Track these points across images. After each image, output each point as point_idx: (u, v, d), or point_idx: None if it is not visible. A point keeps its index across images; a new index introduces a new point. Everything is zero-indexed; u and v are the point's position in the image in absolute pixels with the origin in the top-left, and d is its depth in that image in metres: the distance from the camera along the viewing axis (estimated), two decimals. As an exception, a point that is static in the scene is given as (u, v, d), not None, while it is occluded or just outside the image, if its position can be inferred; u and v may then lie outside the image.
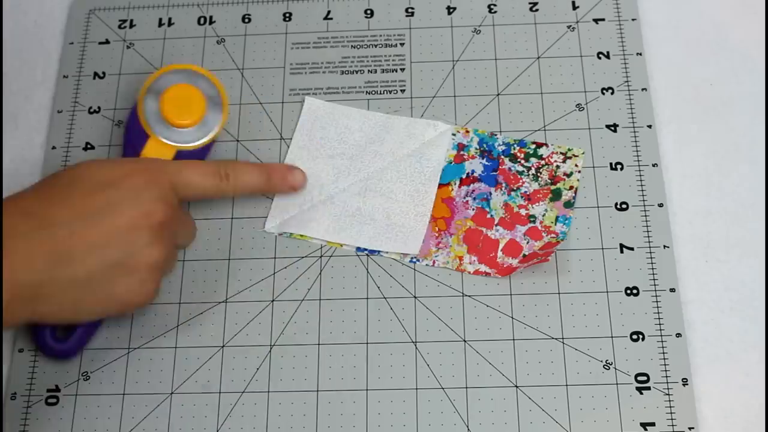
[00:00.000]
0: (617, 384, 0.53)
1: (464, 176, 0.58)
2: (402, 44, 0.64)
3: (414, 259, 0.57)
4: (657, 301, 0.55)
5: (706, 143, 0.60)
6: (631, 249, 0.56)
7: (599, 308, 0.55)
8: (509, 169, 0.59)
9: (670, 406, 0.52)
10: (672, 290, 0.55)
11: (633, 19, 0.63)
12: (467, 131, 0.60)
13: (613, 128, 0.60)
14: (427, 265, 0.56)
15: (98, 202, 0.49)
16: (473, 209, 0.58)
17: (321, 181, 0.59)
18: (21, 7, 0.67)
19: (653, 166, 0.59)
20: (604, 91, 0.61)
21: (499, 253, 0.56)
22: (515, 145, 0.59)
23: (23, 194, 0.51)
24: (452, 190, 0.58)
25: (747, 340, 0.54)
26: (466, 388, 0.54)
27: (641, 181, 0.58)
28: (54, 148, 0.62)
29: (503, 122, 0.60)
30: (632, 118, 0.60)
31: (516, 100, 0.61)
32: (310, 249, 0.58)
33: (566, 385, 0.53)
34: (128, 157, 0.57)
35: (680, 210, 0.58)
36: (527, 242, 0.56)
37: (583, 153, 0.58)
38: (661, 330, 0.54)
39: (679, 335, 0.54)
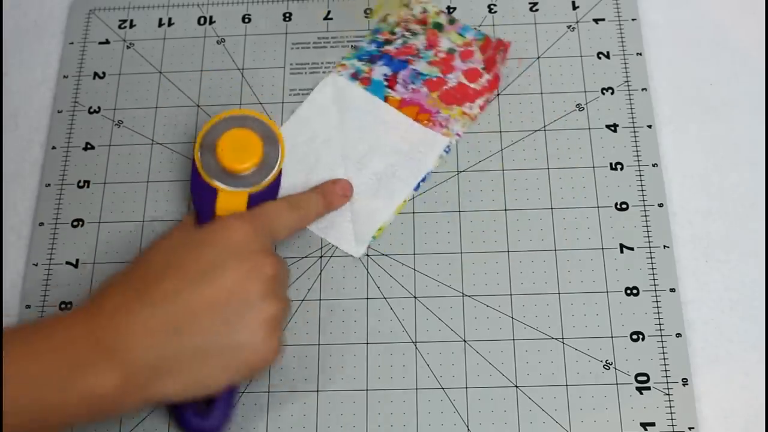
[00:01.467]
0: (617, 384, 0.53)
1: (385, 84, 0.61)
2: (402, 44, 0.64)
3: (448, 149, 0.60)
4: (657, 301, 0.55)
5: (706, 143, 0.60)
6: (631, 249, 0.57)
7: (599, 308, 0.55)
8: (395, 48, 0.63)
9: (670, 406, 0.52)
10: (672, 290, 0.55)
11: (633, 19, 0.63)
12: (343, 65, 0.63)
13: (613, 128, 0.60)
14: (457, 143, 0.60)
15: (202, 266, 0.47)
16: (422, 86, 0.61)
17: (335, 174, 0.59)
18: (21, 7, 0.67)
19: (653, 166, 0.59)
20: (604, 91, 0.61)
21: (470, 85, 0.61)
22: (375, 36, 0.63)
23: (126, 275, 0.49)
24: (394, 97, 0.61)
25: (747, 340, 0.54)
26: (466, 388, 0.54)
27: (641, 181, 0.58)
28: (54, 148, 0.62)
29: (503, 122, 0.61)
30: (632, 118, 0.60)
31: (516, 100, 0.61)
32: (310, 249, 0.58)
33: (566, 385, 0.53)
34: (204, 218, 0.54)
35: (680, 210, 0.58)
36: (471, 63, 0.62)
37: None
38: (661, 330, 0.54)
39: (679, 335, 0.54)
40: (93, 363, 0.44)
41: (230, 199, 0.54)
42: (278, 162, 0.55)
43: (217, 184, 0.54)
